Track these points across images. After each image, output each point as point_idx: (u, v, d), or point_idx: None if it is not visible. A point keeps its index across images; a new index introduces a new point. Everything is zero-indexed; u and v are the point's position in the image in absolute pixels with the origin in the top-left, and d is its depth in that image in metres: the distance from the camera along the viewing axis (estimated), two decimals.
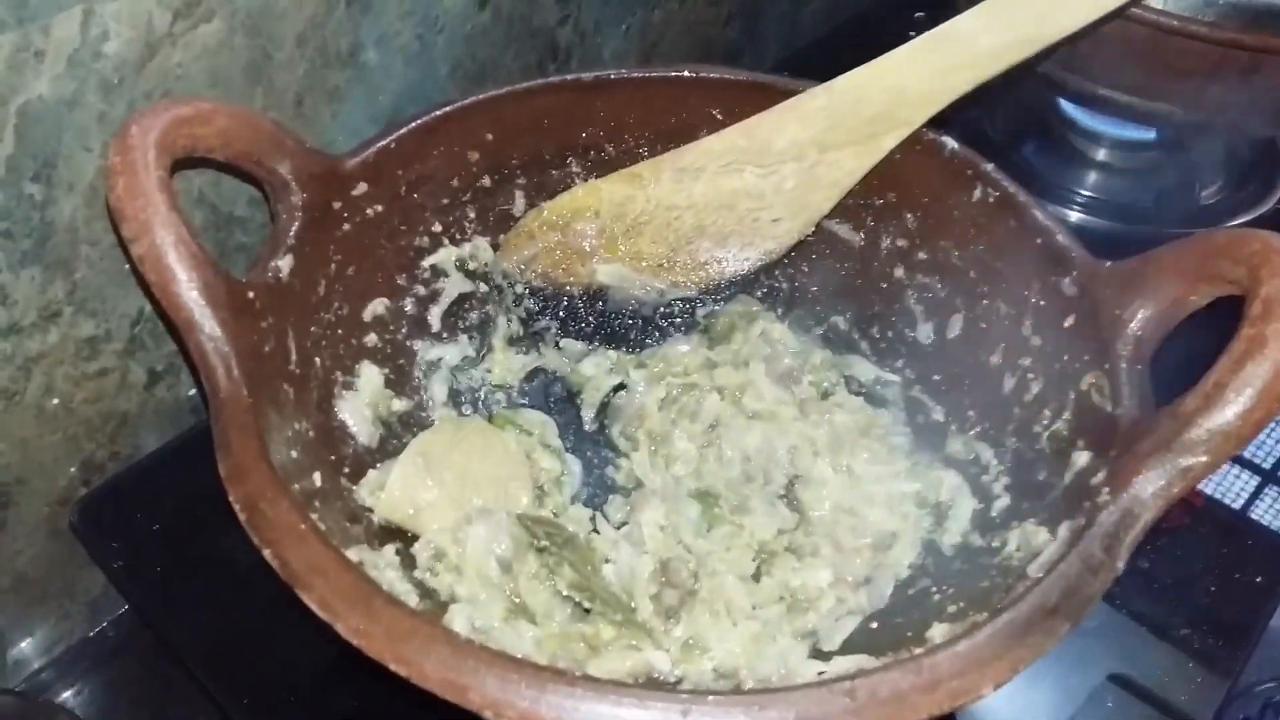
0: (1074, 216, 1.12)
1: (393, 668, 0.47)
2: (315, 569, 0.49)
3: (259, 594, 0.51)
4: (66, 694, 0.82)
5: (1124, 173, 1.17)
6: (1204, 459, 0.52)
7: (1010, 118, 1.22)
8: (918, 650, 0.55)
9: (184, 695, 0.77)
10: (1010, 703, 0.72)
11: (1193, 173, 1.15)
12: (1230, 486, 0.91)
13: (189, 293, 0.57)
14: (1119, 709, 0.72)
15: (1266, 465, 0.94)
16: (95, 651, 0.85)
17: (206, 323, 0.57)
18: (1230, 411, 0.51)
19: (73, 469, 0.80)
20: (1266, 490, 0.91)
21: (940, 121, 0.75)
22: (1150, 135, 1.15)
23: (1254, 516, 0.88)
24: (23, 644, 0.83)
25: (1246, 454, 0.94)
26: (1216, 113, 0.96)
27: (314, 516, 0.55)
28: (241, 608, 0.73)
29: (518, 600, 0.62)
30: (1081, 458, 0.61)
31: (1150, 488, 0.53)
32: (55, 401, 0.75)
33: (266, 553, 0.51)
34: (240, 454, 0.54)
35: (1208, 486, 0.90)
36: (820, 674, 0.59)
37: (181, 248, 0.57)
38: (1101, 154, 1.17)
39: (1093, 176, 1.17)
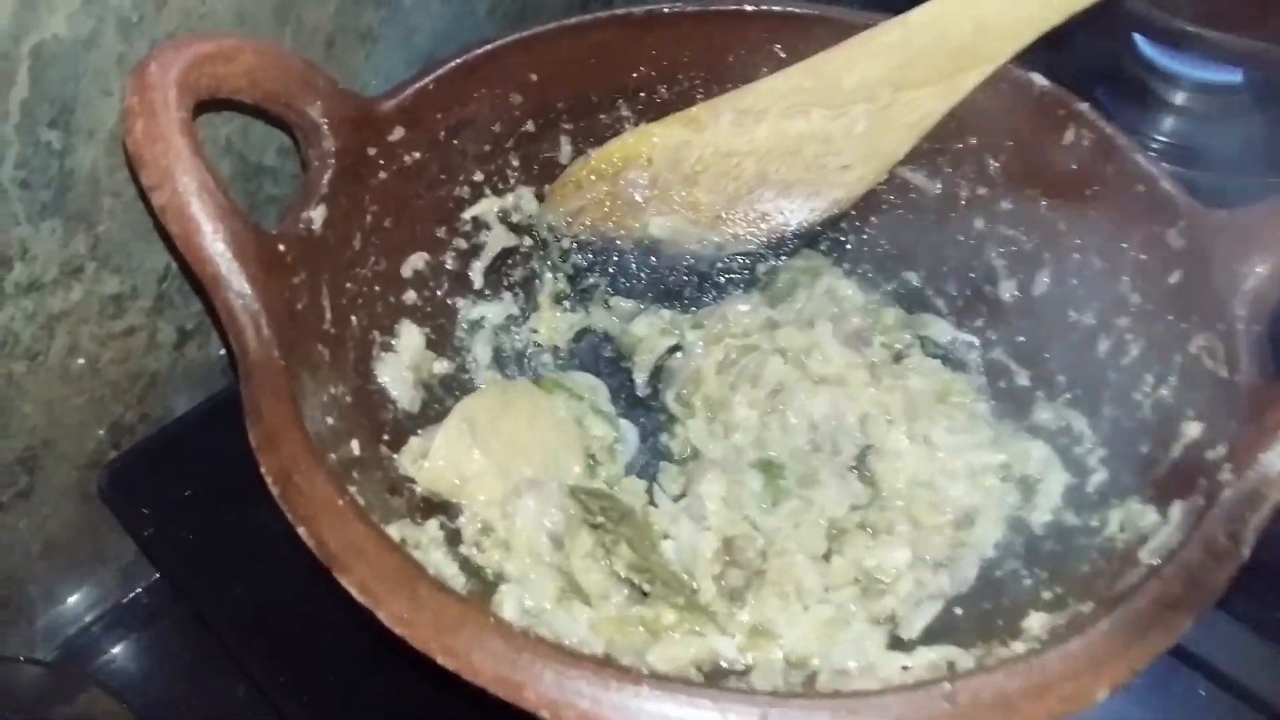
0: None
1: (440, 660, 0.42)
2: (354, 549, 0.45)
3: (295, 564, 0.47)
4: (100, 661, 0.80)
5: (1205, 119, 1.09)
6: None
7: (1080, 59, 1.13)
8: (1015, 643, 0.51)
9: (220, 664, 0.74)
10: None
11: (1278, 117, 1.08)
12: None
13: (215, 245, 0.53)
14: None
15: None
16: (129, 618, 0.83)
17: (234, 278, 0.53)
18: None
19: (101, 432, 0.77)
20: None
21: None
22: (1236, 78, 1.07)
23: None
24: (55, 610, 0.81)
25: None
26: None
27: (352, 489, 0.50)
28: (277, 578, 0.69)
29: (571, 580, 0.58)
30: (1192, 429, 0.55)
31: (1279, 464, 0.48)
32: (80, 362, 0.72)
33: (301, 530, 0.46)
34: (272, 420, 0.50)
35: None
36: (905, 667, 0.54)
37: (206, 196, 0.53)
38: (1180, 98, 1.09)
39: (1170, 122, 1.09)
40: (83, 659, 0.80)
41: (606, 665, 0.42)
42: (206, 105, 0.58)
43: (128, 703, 0.75)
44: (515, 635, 0.42)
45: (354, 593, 0.44)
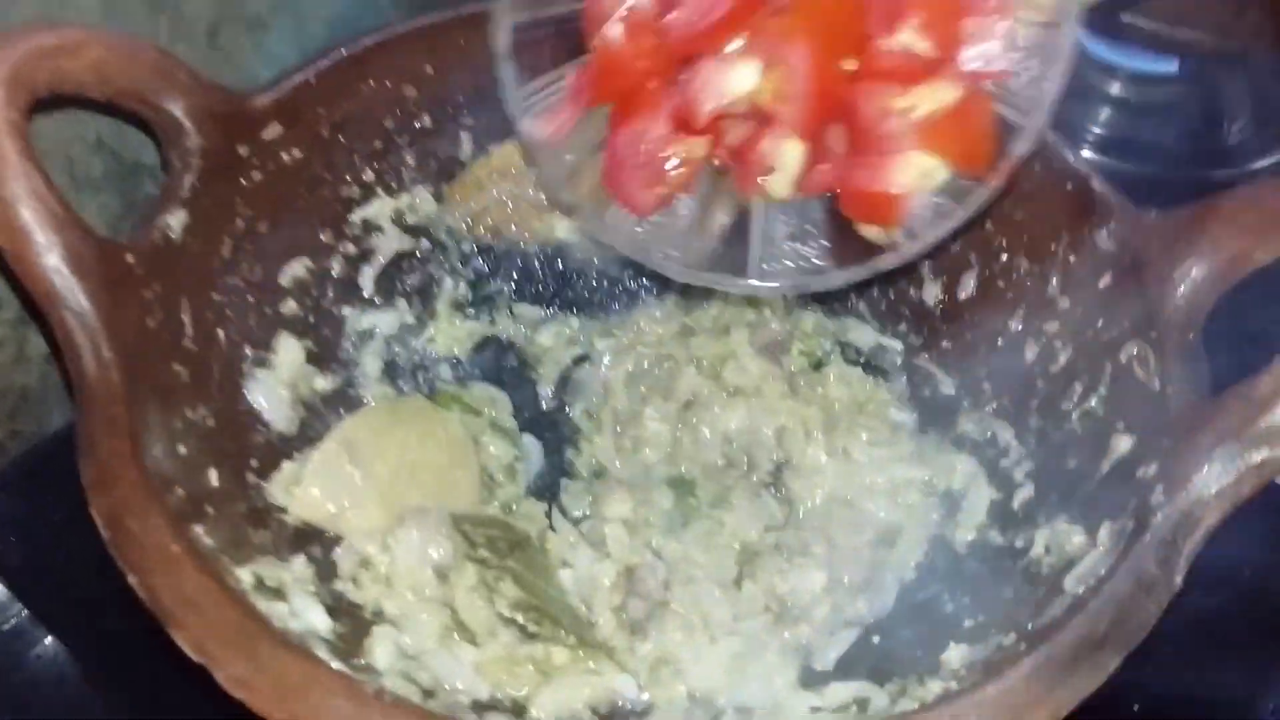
0: (1085, 157, 1.02)
1: None
2: (189, 603, 0.41)
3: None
4: None
5: (1141, 109, 1.07)
6: None
7: None
8: (931, 681, 0.48)
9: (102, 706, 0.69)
10: None
11: (1218, 109, 1.06)
12: None
13: (49, 259, 0.47)
14: None
15: None
16: (9, 645, 0.77)
17: (70, 295, 0.48)
18: None
19: None
20: None
21: None
22: (1172, 68, 1.05)
23: None
24: None
25: None
26: (1253, 40, 0.87)
27: (199, 529, 0.46)
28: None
29: (455, 617, 0.53)
30: (1122, 443, 0.52)
31: (1214, 485, 0.45)
32: None
33: (132, 580, 0.42)
34: (107, 457, 0.45)
35: None
36: (814, 708, 0.50)
37: (38, 204, 0.47)
38: (1117, 89, 1.07)
39: (1106, 113, 1.07)
40: None
41: None
42: (49, 102, 0.52)
43: None
44: (366, 698, 0.38)
45: (188, 650, 0.40)
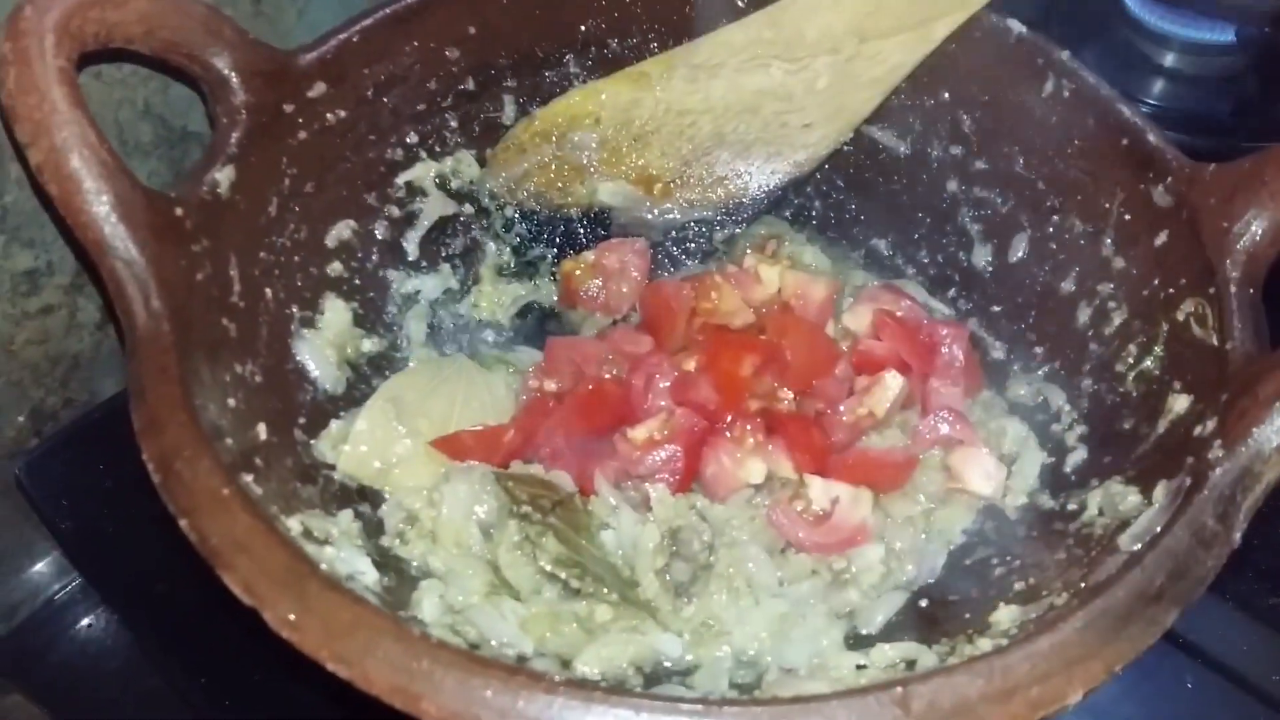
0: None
1: (330, 668, 0.38)
2: (239, 544, 0.40)
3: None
4: (30, 661, 0.74)
5: (1196, 80, 1.04)
6: None
7: (1067, 19, 1.10)
8: (981, 639, 0.47)
9: (151, 665, 0.70)
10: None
11: (1274, 78, 1.03)
12: None
13: (98, 207, 0.48)
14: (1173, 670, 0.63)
15: None
16: (60, 617, 0.78)
17: (120, 243, 0.48)
18: None
19: (20, 418, 0.72)
20: None
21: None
22: (1228, 36, 1.02)
23: None
24: None
25: None
26: None
27: (249, 478, 0.46)
28: (200, 576, 0.65)
29: (499, 574, 0.53)
30: (1179, 402, 0.51)
31: (1276, 440, 0.43)
32: None
33: (183, 523, 0.42)
34: (157, 403, 0.45)
35: None
36: (860, 666, 0.50)
37: (87, 151, 0.48)
38: (1170, 59, 1.05)
39: (1160, 85, 1.04)
40: (12, 661, 0.75)
41: (516, 672, 0.37)
42: (97, 55, 0.53)
43: (54, 708, 0.71)
44: (414, 640, 0.38)
45: (237, 592, 0.40)
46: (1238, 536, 0.42)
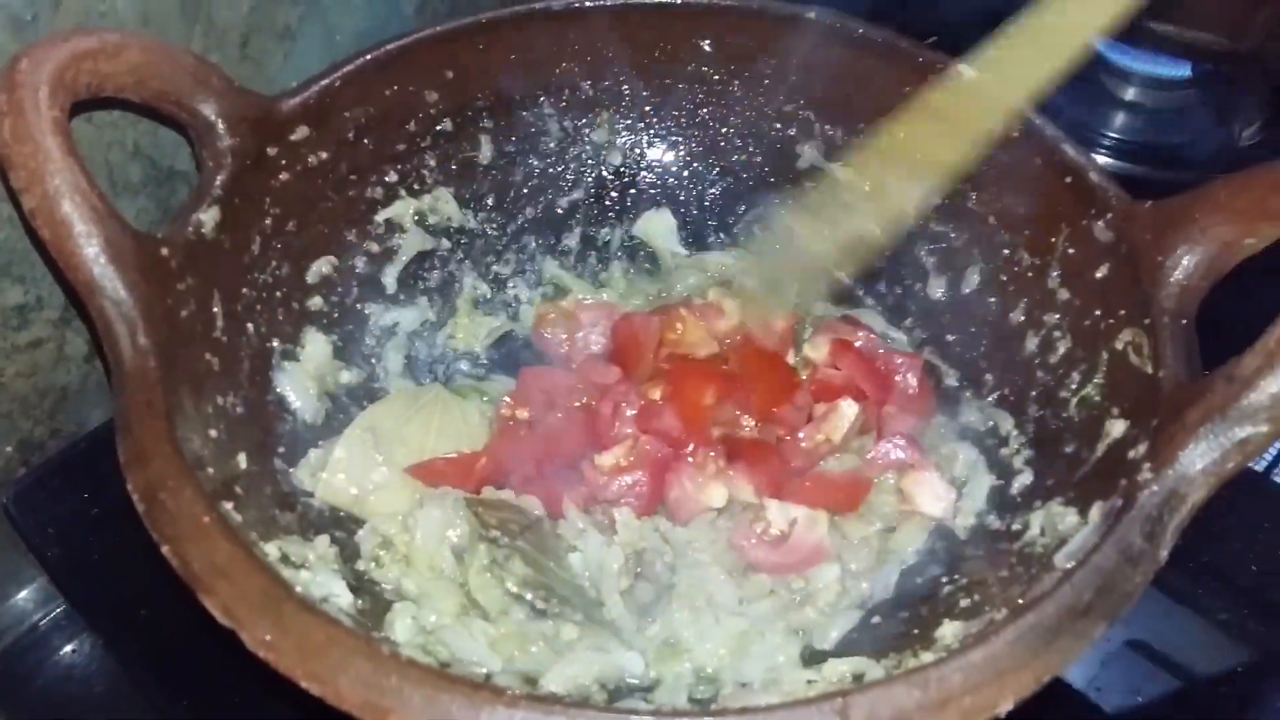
0: (1101, 161, 1.02)
1: (304, 685, 0.40)
2: (218, 570, 0.43)
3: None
4: (12, 688, 0.75)
5: (1155, 113, 1.08)
6: (1265, 429, 0.45)
7: None
8: (925, 654, 0.49)
9: (136, 690, 0.71)
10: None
11: (1230, 112, 1.06)
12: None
13: (88, 249, 0.50)
14: (1138, 675, 0.66)
15: None
16: (46, 641, 0.79)
17: (109, 283, 0.50)
18: None
19: (9, 449, 0.74)
20: None
21: (955, 52, 0.67)
22: (1185, 71, 1.06)
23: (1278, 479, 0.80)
24: None
25: None
26: (1265, 41, 0.87)
27: (229, 506, 0.48)
28: (184, 602, 0.66)
29: (469, 595, 0.55)
30: (1116, 427, 0.54)
31: (1200, 463, 0.46)
32: None
33: (165, 549, 0.44)
34: (142, 436, 0.47)
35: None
36: (810, 681, 0.52)
37: (79, 198, 0.50)
38: (1131, 93, 1.08)
39: (1121, 118, 1.08)
40: None
41: (479, 688, 0.39)
42: (93, 104, 0.55)
43: None
44: (383, 658, 0.40)
45: (217, 615, 0.42)
46: (1164, 554, 0.45)
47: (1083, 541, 0.48)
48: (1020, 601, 0.47)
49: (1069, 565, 0.46)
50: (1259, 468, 0.80)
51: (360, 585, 0.55)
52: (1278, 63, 1.00)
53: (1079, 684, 0.64)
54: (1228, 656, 0.67)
